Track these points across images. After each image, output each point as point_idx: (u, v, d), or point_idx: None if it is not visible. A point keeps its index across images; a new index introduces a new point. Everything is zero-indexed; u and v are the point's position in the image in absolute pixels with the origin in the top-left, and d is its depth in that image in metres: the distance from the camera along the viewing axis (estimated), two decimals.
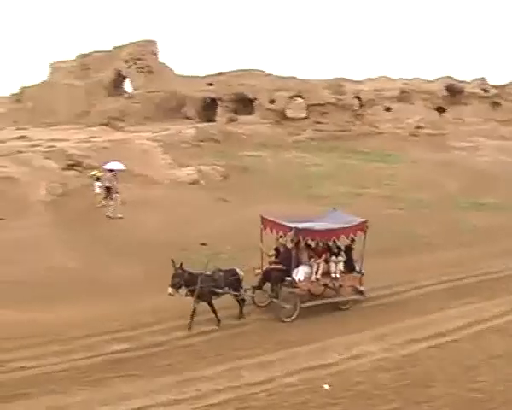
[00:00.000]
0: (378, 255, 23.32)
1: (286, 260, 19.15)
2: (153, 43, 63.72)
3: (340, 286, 19.84)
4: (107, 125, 56.28)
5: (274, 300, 18.91)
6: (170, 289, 17.24)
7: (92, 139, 45.44)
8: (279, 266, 19.26)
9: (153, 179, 36.91)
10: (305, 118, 58.20)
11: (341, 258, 19.87)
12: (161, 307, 18.57)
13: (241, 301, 18.64)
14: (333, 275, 19.57)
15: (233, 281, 18.45)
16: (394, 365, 15.81)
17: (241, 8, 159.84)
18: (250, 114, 59.03)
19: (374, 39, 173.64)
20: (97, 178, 32.45)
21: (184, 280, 17.43)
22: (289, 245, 19.47)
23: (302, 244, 19.55)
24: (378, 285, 21.32)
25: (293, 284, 18.90)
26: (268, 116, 57.95)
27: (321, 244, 19.88)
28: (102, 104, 61.54)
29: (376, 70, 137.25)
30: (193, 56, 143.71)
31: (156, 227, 27.93)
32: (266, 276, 19.42)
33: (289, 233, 18.96)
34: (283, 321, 18.38)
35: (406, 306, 20.33)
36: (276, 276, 19.18)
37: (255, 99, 59.10)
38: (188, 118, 60.18)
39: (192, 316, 17.49)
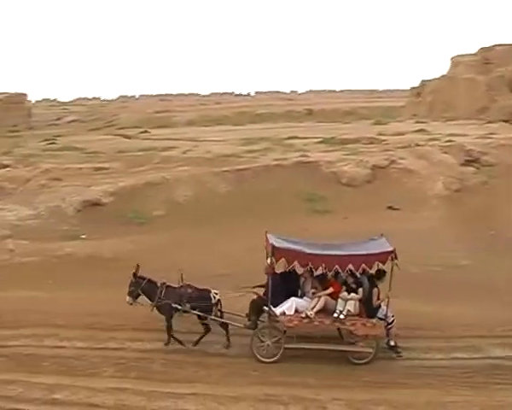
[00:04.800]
0: None
1: (270, 286, 15.17)
2: None
3: (351, 333, 15.07)
4: (507, 121, 54.34)
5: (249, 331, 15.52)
6: (127, 298, 15.80)
7: (492, 136, 44.15)
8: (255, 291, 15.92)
9: None
10: None
11: (355, 295, 15.09)
12: None
13: (225, 327, 15.72)
14: (335, 315, 14.95)
15: (200, 301, 15.57)
16: None
17: None
18: None
19: None
20: None
21: (142, 289, 15.78)
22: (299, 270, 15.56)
23: (285, 268, 15.44)
24: None
25: (271, 316, 15.22)
26: None
27: (329, 275, 15.39)
28: (504, 100, 59.60)
29: None
30: None
31: None
32: None
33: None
34: (261, 361, 14.94)
35: None
36: (253, 302, 15.77)
37: None
38: None
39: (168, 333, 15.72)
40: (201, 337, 15.73)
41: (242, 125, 71.41)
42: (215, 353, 15.09)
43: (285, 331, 15.31)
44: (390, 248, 14.91)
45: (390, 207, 30.80)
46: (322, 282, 15.59)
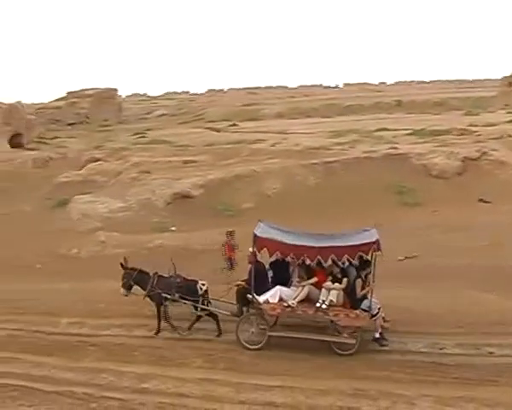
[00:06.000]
0: None
1: (254, 274, 15.33)
2: None
3: (333, 322, 14.82)
4: None
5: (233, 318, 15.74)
6: (121, 290, 16.44)
7: None
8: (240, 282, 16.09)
9: None
10: None
11: (337, 285, 14.94)
12: None
13: (214, 317, 16.09)
14: (317, 304, 14.84)
15: (188, 291, 16.00)
16: None
17: None
18: None
19: None
20: None
21: (134, 280, 16.37)
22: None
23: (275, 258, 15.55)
24: None
25: (254, 303, 15.32)
26: None
27: (314, 264, 14.95)
28: None
29: None
30: None
31: None
32: None
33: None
34: (247, 348, 15.14)
35: None
36: (238, 290, 15.94)
37: None
38: None
39: (161, 320, 16.31)
40: (193, 323, 16.19)
41: (331, 117, 71.22)
42: (301, 346, 15.05)
43: (276, 321, 15.78)
44: (372, 239, 14.56)
45: (481, 200, 30.20)
46: (310, 271, 15.51)
